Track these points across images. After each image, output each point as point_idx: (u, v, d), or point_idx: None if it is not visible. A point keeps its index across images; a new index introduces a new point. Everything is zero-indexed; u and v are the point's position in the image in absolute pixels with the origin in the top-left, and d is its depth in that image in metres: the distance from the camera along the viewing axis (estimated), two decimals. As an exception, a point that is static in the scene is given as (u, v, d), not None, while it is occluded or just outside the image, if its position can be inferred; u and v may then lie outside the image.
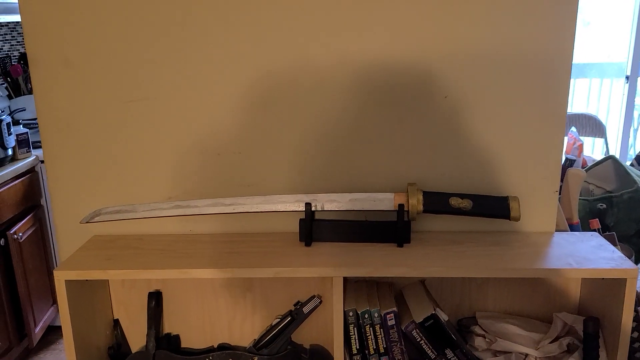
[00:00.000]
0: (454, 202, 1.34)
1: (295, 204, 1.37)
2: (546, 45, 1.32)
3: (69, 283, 1.26)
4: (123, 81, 1.38)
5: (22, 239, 2.71)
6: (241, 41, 1.35)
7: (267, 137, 1.40)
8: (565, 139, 3.82)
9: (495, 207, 1.34)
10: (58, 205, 1.45)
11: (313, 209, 1.37)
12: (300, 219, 1.38)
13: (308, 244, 1.37)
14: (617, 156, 4.56)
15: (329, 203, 1.37)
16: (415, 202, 1.34)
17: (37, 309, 2.85)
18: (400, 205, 1.34)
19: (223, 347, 1.50)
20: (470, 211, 1.34)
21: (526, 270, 1.23)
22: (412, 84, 1.36)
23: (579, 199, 2.11)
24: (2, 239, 2.58)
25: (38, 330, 2.86)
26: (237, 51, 1.35)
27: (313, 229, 1.38)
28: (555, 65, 1.33)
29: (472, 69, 1.34)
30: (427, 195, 1.35)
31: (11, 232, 2.63)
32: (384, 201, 1.37)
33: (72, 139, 1.40)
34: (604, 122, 4.18)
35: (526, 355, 1.35)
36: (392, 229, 1.36)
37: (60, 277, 1.24)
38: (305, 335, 1.49)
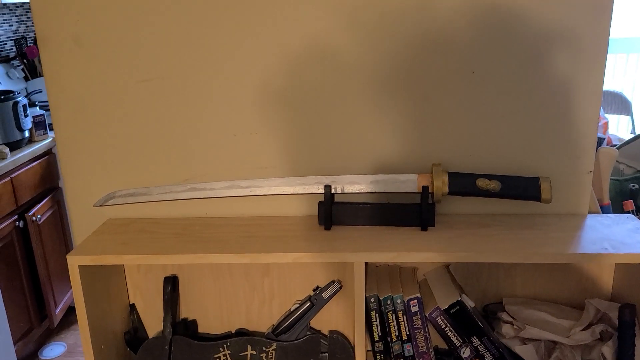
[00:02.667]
0: (481, 183, 1.28)
1: (314, 186, 1.32)
2: (582, 15, 1.23)
3: (82, 268, 1.23)
4: (136, 60, 1.32)
5: (41, 221, 2.71)
6: (259, 19, 1.28)
7: (285, 117, 1.34)
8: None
9: (525, 189, 1.28)
10: (71, 189, 1.41)
11: (333, 191, 1.32)
12: (320, 202, 1.32)
13: (328, 228, 1.32)
14: (645, 133, 4.42)
15: (350, 185, 1.32)
16: (440, 184, 1.27)
17: (58, 290, 2.86)
18: (424, 187, 1.28)
19: (241, 332, 1.46)
20: (499, 193, 1.28)
21: (559, 256, 1.17)
22: (438, 58, 1.29)
23: (610, 179, 2.02)
24: (21, 221, 2.59)
25: (58, 311, 2.87)
26: (255, 29, 1.29)
27: (333, 212, 1.32)
28: (591, 37, 1.24)
29: (502, 43, 1.26)
30: (452, 176, 1.28)
31: (30, 214, 2.63)
32: (407, 183, 1.31)
33: (84, 120, 1.36)
34: (629, 98, 4.05)
35: (556, 343, 1.30)
36: (416, 212, 1.30)
37: (74, 263, 1.21)
38: (324, 321, 1.45)
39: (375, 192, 1.31)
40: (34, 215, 2.66)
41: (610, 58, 4.51)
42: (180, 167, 1.39)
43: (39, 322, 2.76)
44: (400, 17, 1.26)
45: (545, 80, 1.28)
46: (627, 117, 4.00)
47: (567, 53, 1.26)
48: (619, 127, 4.28)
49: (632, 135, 3.67)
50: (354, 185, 1.32)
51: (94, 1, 1.29)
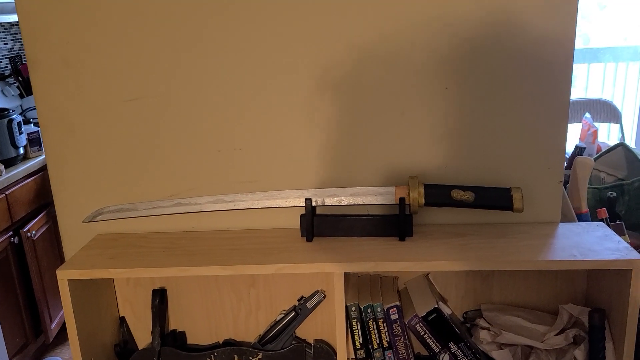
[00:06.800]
0: (456, 194, 1.32)
1: (295, 200, 1.37)
2: (547, 31, 1.29)
3: (72, 282, 1.27)
4: (122, 80, 1.38)
5: (36, 237, 2.74)
6: (237, 39, 1.34)
7: (267, 133, 1.40)
8: (579, 125, 3.76)
9: (497, 199, 1.33)
10: (62, 205, 1.46)
11: (314, 204, 1.36)
12: (301, 214, 1.37)
13: (309, 240, 1.37)
14: (633, 142, 4.48)
15: (330, 198, 1.37)
16: (417, 195, 1.32)
17: (53, 306, 2.89)
18: (402, 199, 1.33)
19: (228, 343, 1.50)
20: (473, 203, 1.33)
21: (529, 263, 1.21)
22: (413, 76, 1.34)
23: (590, 188, 2.07)
24: (16, 237, 2.62)
25: (54, 326, 2.90)
26: (235, 48, 1.34)
27: (314, 224, 1.37)
28: (556, 52, 1.30)
29: (472, 60, 1.32)
30: (428, 188, 1.33)
31: (24, 230, 2.66)
32: (385, 195, 1.36)
33: (73, 139, 1.41)
34: (619, 107, 4.10)
35: (532, 347, 1.34)
36: (394, 223, 1.35)
37: (63, 277, 1.25)
38: (309, 331, 1.49)
39: (354, 205, 1.36)
40: (28, 231, 2.69)
41: (599, 67, 4.58)
42: (166, 182, 1.44)
43: (34, 338, 2.79)
44: (377, 38, 1.32)
45: (514, 95, 1.34)
46: (617, 126, 4.05)
47: (534, 69, 1.31)
48: (609, 136, 4.34)
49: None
50: (334, 198, 1.37)
51: (82, 24, 1.35)
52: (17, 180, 2.68)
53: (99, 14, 1.34)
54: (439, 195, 1.33)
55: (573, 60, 1.29)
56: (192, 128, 1.40)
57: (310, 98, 1.37)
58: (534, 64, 1.31)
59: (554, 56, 1.30)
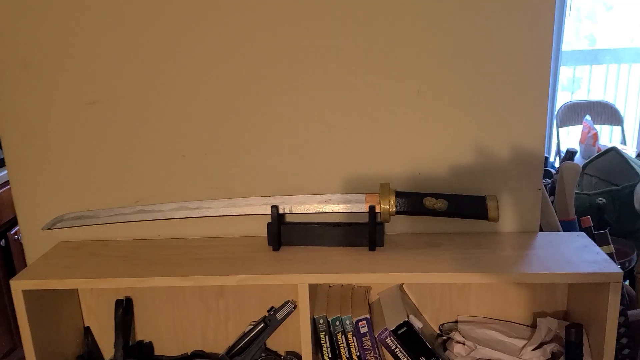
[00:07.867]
0: (429, 202, 1.27)
1: (262, 207, 1.32)
2: (523, 34, 1.23)
3: (28, 292, 1.22)
4: (84, 83, 1.33)
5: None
6: (205, 41, 1.29)
7: (234, 138, 1.34)
8: (580, 127, 3.69)
9: (472, 207, 1.27)
10: (23, 212, 1.41)
11: (281, 211, 1.31)
12: (268, 223, 1.32)
13: (276, 249, 1.31)
14: (635, 144, 4.40)
15: (298, 205, 1.31)
16: (388, 204, 1.27)
17: (40, 310, 2.86)
18: (372, 207, 1.28)
19: (197, 354, 1.45)
20: (446, 212, 1.27)
21: (503, 275, 1.15)
22: (384, 79, 1.29)
23: (581, 193, 2.01)
24: (3, 240, 2.59)
25: (41, 330, 2.87)
26: (200, 51, 1.30)
27: (282, 232, 1.32)
28: (533, 55, 1.24)
29: (445, 62, 1.26)
30: (400, 195, 1.28)
31: (12, 232, 2.63)
32: (355, 203, 1.30)
33: (33, 144, 1.37)
34: (621, 110, 4.03)
35: (508, 363, 1.28)
36: (365, 232, 1.30)
37: (17, 287, 1.20)
38: (280, 342, 1.44)
39: (324, 212, 1.31)
40: (16, 233, 2.66)
41: (601, 69, 4.51)
42: (131, 188, 1.39)
43: (21, 342, 2.75)
44: (345, 38, 1.27)
45: (490, 99, 1.28)
46: (619, 128, 3.99)
47: (510, 72, 1.25)
48: (611, 138, 4.26)
49: (623, 146, 3.63)
50: (303, 206, 1.31)
51: (41, 25, 1.30)
52: (3, 183, 2.65)
53: (58, 15, 1.29)
54: (410, 203, 1.28)
55: (550, 61, 1.23)
56: (155, 132, 1.35)
57: (281, 102, 1.31)
58: (509, 65, 1.25)
59: (531, 56, 1.24)
